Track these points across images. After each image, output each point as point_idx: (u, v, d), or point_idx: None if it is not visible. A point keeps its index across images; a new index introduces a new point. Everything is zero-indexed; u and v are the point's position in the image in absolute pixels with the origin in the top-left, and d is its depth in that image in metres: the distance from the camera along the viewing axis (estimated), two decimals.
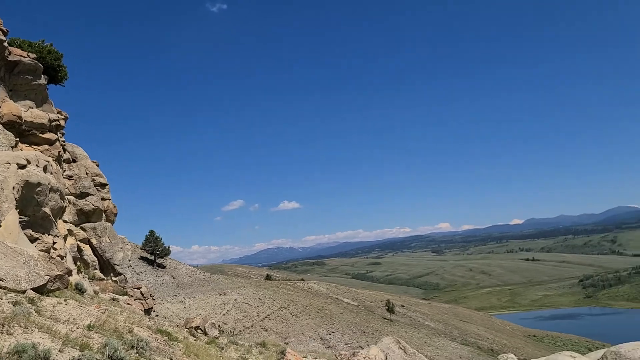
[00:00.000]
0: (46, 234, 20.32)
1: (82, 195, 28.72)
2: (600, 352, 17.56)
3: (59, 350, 8.23)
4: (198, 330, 24.32)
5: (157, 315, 24.54)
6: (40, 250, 18.61)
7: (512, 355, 22.63)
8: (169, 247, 56.69)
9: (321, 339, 47.80)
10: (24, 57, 22.12)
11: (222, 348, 19.53)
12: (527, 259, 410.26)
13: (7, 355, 6.84)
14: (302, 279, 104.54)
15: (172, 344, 13.79)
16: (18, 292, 12.15)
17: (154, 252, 55.06)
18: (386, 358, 14.18)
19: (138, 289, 28.79)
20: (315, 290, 76.68)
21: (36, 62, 22.60)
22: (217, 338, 23.52)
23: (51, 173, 21.23)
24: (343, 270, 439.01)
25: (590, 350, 17.29)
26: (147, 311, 25.60)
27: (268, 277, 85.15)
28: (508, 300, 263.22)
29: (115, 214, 32.89)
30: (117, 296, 23.64)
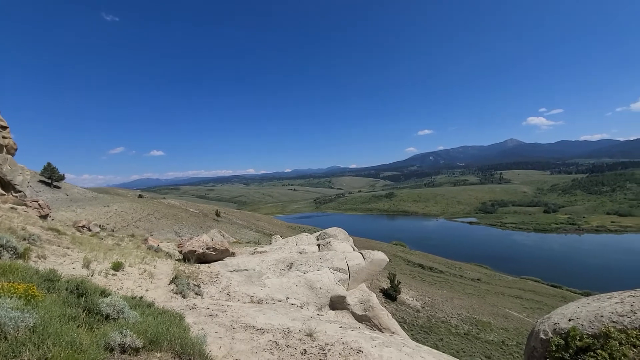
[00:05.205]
0: None
1: None
2: (319, 232, 20.59)
3: None
4: (84, 229, 20.31)
5: (52, 220, 19.90)
6: None
7: (279, 236, 24.83)
8: (63, 174, 44.49)
9: (175, 232, 44.63)
10: None
11: (102, 239, 16.89)
12: (292, 189, 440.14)
13: None
14: (164, 197, 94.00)
15: (61, 237, 11.55)
16: None
17: (51, 177, 42.73)
18: (212, 239, 14.37)
19: (36, 201, 22.45)
20: (172, 204, 70.00)
21: None
22: (99, 233, 20.13)
23: None
24: (191, 193, 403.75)
25: (316, 232, 20.18)
26: (44, 217, 20.23)
27: (140, 196, 74.14)
28: (280, 209, 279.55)
29: (15, 149, 24.58)
30: (16, 206, 18.23)
